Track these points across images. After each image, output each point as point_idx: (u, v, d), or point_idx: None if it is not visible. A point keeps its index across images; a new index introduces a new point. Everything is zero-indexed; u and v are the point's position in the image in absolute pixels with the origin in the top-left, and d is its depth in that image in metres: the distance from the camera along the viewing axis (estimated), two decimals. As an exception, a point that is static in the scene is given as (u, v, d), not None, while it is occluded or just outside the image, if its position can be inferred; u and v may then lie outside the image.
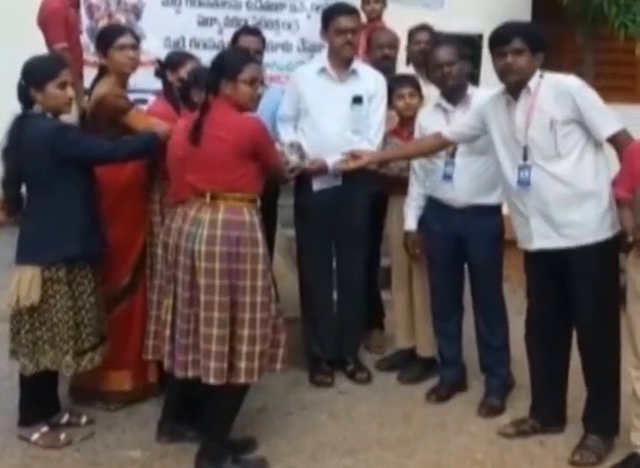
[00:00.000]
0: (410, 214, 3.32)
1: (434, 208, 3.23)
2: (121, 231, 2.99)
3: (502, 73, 2.72)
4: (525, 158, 2.71)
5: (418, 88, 3.44)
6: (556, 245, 2.73)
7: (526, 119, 2.70)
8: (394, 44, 3.80)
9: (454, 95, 3.13)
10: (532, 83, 2.70)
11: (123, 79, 3.11)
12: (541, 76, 2.71)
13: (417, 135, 3.29)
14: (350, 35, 3.27)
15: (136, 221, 3.05)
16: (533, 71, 2.70)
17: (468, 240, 3.15)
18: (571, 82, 2.70)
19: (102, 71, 3.09)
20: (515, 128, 2.73)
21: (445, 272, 3.25)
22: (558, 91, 2.66)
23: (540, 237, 2.75)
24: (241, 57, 2.76)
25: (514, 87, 2.73)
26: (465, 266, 3.28)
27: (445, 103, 3.15)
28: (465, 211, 3.13)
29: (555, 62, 5.20)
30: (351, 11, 3.37)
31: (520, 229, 2.84)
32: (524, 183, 2.71)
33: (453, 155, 3.10)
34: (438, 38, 3.66)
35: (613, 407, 2.83)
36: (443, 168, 3.12)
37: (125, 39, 3.04)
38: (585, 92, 2.67)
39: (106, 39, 3.07)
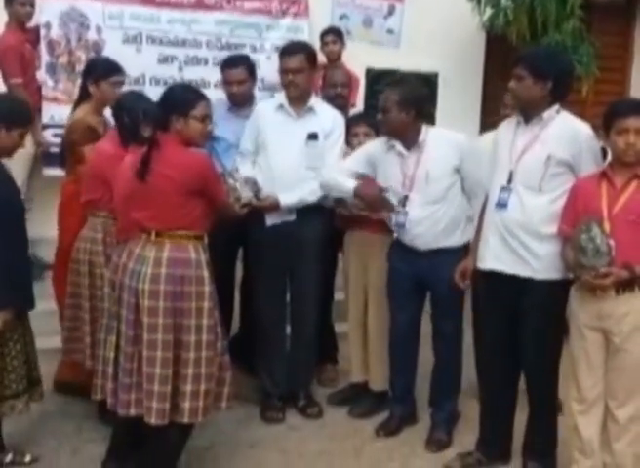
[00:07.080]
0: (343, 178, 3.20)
1: (398, 247, 3.21)
2: None
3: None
4: (509, 181, 2.74)
5: (374, 127, 3.42)
6: (508, 269, 2.75)
7: (526, 144, 2.72)
8: (347, 83, 3.90)
9: (405, 140, 3.08)
10: (546, 114, 2.70)
11: (102, 108, 3.38)
12: (558, 112, 2.72)
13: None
14: (291, 75, 3.27)
15: None
16: (534, 100, 2.69)
17: (430, 279, 3.13)
18: (586, 129, 2.72)
19: (83, 96, 3.38)
20: (513, 148, 2.75)
21: (405, 305, 3.23)
22: (570, 132, 2.69)
23: (492, 258, 2.78)
24: (193, 92, 2.72)
25: (520, 110, 2.77)
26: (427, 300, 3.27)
27: (399, 147, 3.10)
28: (426, 253, 3.10)
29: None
30: (292, 52, 3.32)
31: (481, 246, 2.86)
32: (501, 205, 2.74)
33: (404, 204, 3.08)
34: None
35: (550, 432, 2.88)
36: (396, 215, 3.10)
37: (119, 77, 3.37)
38: (594, 143, 2.71)
39: (102, 71, 3.34)
